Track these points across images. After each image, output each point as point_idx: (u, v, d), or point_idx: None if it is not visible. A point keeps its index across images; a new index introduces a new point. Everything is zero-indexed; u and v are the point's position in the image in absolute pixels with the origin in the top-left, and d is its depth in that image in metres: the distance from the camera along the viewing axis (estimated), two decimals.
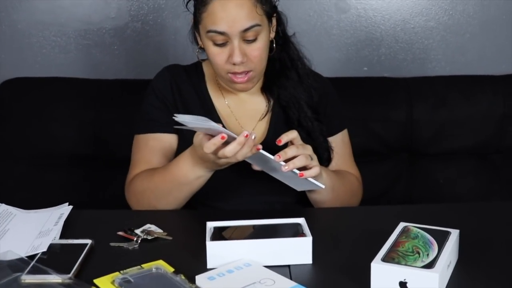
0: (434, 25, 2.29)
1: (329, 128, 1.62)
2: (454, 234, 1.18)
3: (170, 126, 1.56)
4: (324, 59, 2.21)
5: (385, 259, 1.07)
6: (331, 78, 1.78)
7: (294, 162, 1.31)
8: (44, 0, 2.24)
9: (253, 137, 1.27)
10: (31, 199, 1.95)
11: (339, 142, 1.66)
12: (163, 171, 1.49)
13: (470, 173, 2.13)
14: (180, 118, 1.28)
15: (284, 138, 1.35)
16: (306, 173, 1.34)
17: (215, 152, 1.28)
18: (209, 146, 1.27)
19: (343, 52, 2.31)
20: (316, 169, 1.35)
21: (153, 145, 1.58)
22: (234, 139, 1.26)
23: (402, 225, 1.21)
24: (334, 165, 1.63)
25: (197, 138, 1.33)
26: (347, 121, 1.71)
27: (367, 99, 2.13)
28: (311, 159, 1.36)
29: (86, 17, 2.26)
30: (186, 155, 1.42)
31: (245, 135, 1.25)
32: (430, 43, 2.31)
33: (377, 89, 2.15)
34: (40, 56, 2.27)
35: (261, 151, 1.30)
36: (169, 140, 1.58)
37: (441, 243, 1.13)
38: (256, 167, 1.39)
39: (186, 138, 1.49)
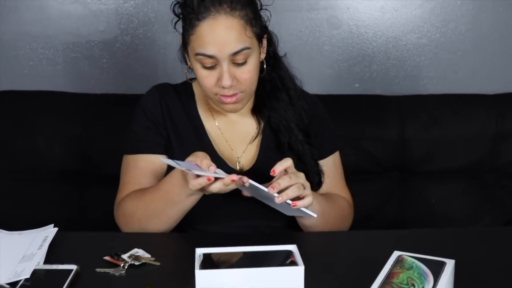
0: (426, 42, 2.29)
1: (320, 151, 1.61)
2: (450, 265, 1.15)
3: (160, 147, 1.55)
4: (315, 75, 2.21)
5: None
6: (322, 95, 1.78)
7: (288, 193, 1.30)
8: (32, 11, 2.22)
9: (244, 180, 1.27)
10: (15, 215, 1.96)
11: (331, 165, 1.64)
12: (154, 189, 1.47)
13: (463, 192, 2.11)
14: (167, 161, 1.31)
15: (278, 168, 1.33)
16: (299, 203, 1.32)
17: (202, 188, 1.29)
18: (195, 185, 1.29)
19: (335, 68, 2.30)
20: (309, 198, 1.34)
21: (143, 166, 1.55)
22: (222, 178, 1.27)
23: (396, 254, 1.19)
24: (325, 188, 1.61)
25: (194, 186, 1.32)
26: (339, 142, 1.70)
27: (359, 117, 2.11)
28: (304, 188, 1.34)
29: (74, 29, 2.24)
30: (177, 173, 1.39)
31: (232, 179, 1.26)
32: (422, 60, 2.31)
33: (369, 107, 2.14)
34: (27, 68, 2.26)
35: (253, 182, 1.28)
36: (159, 161, 1.55)
37: (437, 274, 1.11)
38: (246, 193, 1.38)
39: (176, 158, 1.47)
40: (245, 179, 1.27)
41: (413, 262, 1.16)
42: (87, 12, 2.23)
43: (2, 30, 2.22)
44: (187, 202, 1.41)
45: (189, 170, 1.27)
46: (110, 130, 2.03)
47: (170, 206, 1.43)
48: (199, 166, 1.29)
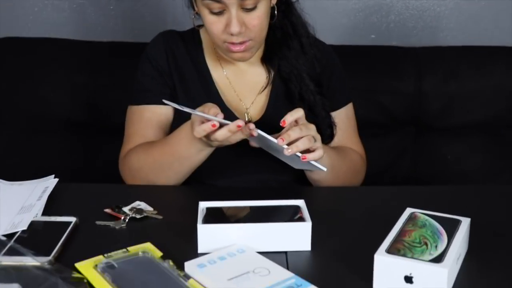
0: None
1: (332, 102, 1.58)
2: (465, 223, 1.13)
3: (166, 97, 1.51)
4: (329, 25, 2.18)
5: (390, 250, 1.02)
6: (336, 46, 1.75)
7: (298, 145, 1.26)
8: None
9: (251, 127, 1.24)
10: (20, 165, 1.98)
11: (343, 117, 1.61)
12: (162, 144, 1.45)
13: (480, 149, 2.10)
14: (169, 104, 1.28)
15: (289, 119, 1.29)
16: (309, 156, 1.28)
17: (207, 136, 1.26)
18: (199, 131, 1.26)
19: (350, 18, 2.29)
20: (319, 152, 1.30)
21: (149, 118, 1.53)
22: (227, 124, 1.24)
23: (408, 211, 1.16)
24: (336, 141, 1.59)
25: (193, 117, 1.30)
26: (352, 94, 1.67)
27: (374, 69, 2.10)
28: (315, 140, 1.30)
29: None
30: (186, 127, 1.37)
31: (238, 125, 1.22)
32: (442, 11, 2.28)
33: (385, 59, 2.12)
34: (32, 14, 2.26)
35: (262, 133, 1.25)
36: (165, 112, 1.54)
37: (451, 233, 1.08)
38: (254, 144, 1.35)
39: (181, 115, 1.45)
40: (251, 126, 1.24)
41: (426, 220, 1.13)
42: None
43: None
44: (196, 158, 1.40)
45: (193, 112, 1.25)
46: (117, 79, 2.03)
47: (178, 162, 1.41)
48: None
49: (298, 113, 1.31)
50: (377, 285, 1.01)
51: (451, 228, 1.10)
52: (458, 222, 1.12)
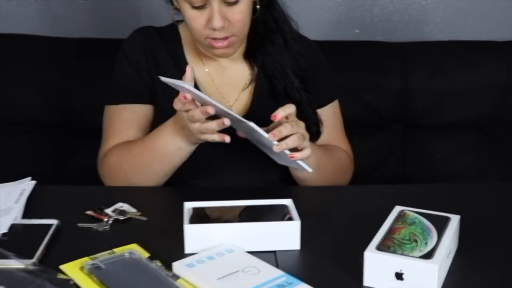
0: None
1: (318, 99, 1.62)
2: (455, 220, 1.18)
3: (144, 96, 1.56)
4: (312, 20, 2.20)
5: (380, 247, 1.07)
6: (319, 42, 1.78)
7: (287, 143, 1.31)
8: None
9: (226, 122, 1.28)
10: None
11: (329, 114, 1.65)
12: (142, 142, 1.49)
13: (469, 147, 2.14)
14: (164, 80, 1.30)
15: (281, 113, 1.33)
16: (297, 155, 1.33)
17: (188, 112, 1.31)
18: (176, 101, 1.30)
19: (333, 12, 2.31)
20: (307, 151, 1.35)
21: (127, 117, 1.56)
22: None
23: (397, 209, 1.21)
24: (323, 139, 1.63)
25: (176, 105, 1.33)
26: (338, 91, 1.71)
27: (358, 65, 2.13)
28: (304, 138, 1.35)
29: None
30: (167, 124, 1.42)
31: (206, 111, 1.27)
32: (428, 4, 2.31)
33: (369, 54, 2.16)
34: None
35: (254, 126, 1.29)
36: (144, 110, 1.57)
37: (441, 230, 1.13)
38: (241, 134, 1.39)
39: (167, 110, 1.47)
40: (226, 121, 1.27)
41: (415, 217, 1.18)
42: None
43: None
44: (176, 156, 1.44)
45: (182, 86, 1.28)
46: (88, 78, 2.04)
47: (158, 160, 1.45)
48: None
49: (290, 109, 1.34)
50: (367, 282, 1.06)
51: (440, 225, 1.14)
52: (447, 219, 1.17)
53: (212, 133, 1.31)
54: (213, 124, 1.28)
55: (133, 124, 1.56)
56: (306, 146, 1.35)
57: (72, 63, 2.08)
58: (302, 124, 1.37)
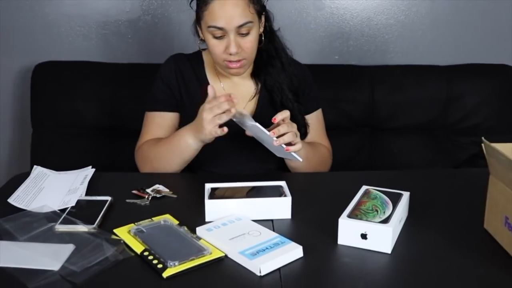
0: (393, 22, 2.29)
1: (306, 108, 1.63)
2: (405, 195, 1.20)
3: (172, 106, 1.58)
4: (303, 49, 2.15)
5: (350, 215, 1.09)
6: (308, 65, 1.77)
7: (284, 138, 1.33)
8: None
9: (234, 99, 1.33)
10: (60, 162, 1.96)
11: (314, 119, 1.66)
12: (165, 139, 1.52)
13: (419, 145, 2.13)
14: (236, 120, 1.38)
15: (278, 117, 1.35)
16: (291, 148, 1.34)
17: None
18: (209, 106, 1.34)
19: (319, 43, 2.30)
20: (299, 145, 1.36)
21: (158, 121, 1.59)
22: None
23: (364, 188, 1.23)
24: (310, 138, 1.64)
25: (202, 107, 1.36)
26: (321, 102, 1.71)
27: (337, 83, 2.12)
28: (296, 136, 1.37)
29: (105, 10, 2.24)
30: (185, 127, 1.45)
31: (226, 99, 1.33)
32: (390, 37, 2.31)
33: (346, 75, 2.15)
34: (67, 43, 2.25)
35: (258, 125, 1.31)
36: (171, 117, 1.59)
37: (395, 203, 1.15)
38: (249, 133, 1.40)
39: (190, 117, 1.47)
40: (225, 129, 1.34)
41: (377, 194, 1.20)
42: None
43: (46, 11, 2.22)
44: (185, 151, 1.45)
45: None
46: (134, 93, 2.04)
47: (173, 152, 1.47)
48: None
49: (285, 113, 1.37)
50: (340, 241, 1.09)
51: (395, 199, 1.17)
52: (400, 195, 1.20)
53: (216, 124, 1.33)
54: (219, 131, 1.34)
55: (162, 126, 1.58)
56: (298, 142, 1.37)
57: (122, 82, 2.08)
58: (294, 125, 1.39)
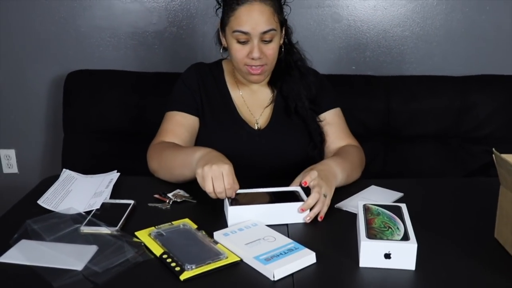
0: (409, 34, 2.26)
1: (323, 105, 1.58)
2: (404, 207, 1.15)
3: (193, 109, 1.53)
4: (321, 59, 2.17)
5: (370, 236, 1.02)
6: (326, 75, 1.76)
7: (314, 212, 1.21)
8: (101, 9, 2.24)
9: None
10: (88, 165, 1.98)
11: (335, 115, 1.59)
12: (174, 149, 1.42)
13: (433, 153, 2.09)
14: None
15: (308, 180, 1.25)
16: (322, 214, 1.22)
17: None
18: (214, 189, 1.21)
19: (336, 54, 2.29)
20: (326, 207, 1.24)
21: (179, 120, 1.52)
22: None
23: (361, 204, 1.16)
24: (333, 137, 1.57)
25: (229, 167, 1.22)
26: (341, 104, 1.65)
27: (355, 92, 2.09)
28: (325, 196, 1.24)
29: (133, 22, 2.25)
30: (198, 151, 1.31)
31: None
32: (405, 49, 2.28)
33: (362, 85, 2.12)
34: (98, 53, 2.27)
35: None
36: (192, 119, 1.53)
37: (400, 216, 1.10)
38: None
39: (206, 125, 1.45)
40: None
41: (378, 209, 1.14)
42: (143, 9, 2.24)
43: (78, 23, 2.24)
44: (183, 170, 1.35)
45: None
46: (160, 100, 1.93)
47: (179, 165, 1.37)
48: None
49: (313, 175, 1.26)
50: (362, 263, 1.00)
51: (397, 212, 1.11)
52: (399, 208, 1.14)
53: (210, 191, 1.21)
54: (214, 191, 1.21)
55: (182, 125, 1.52)
56: (327, 204, 1.24)
57: (149, 90, 2.08)
58: (324, 185, 1.25)
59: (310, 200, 1.21)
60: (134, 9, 2.24)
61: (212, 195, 1.21)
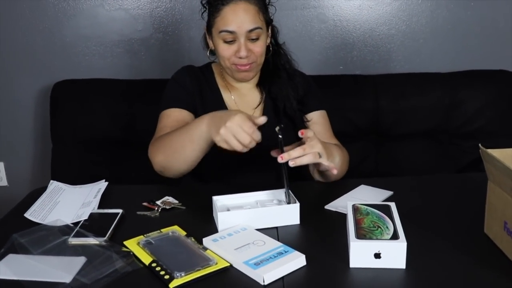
0: (395, 32, 2.27)
1: (310, 107, 1.59)
2: (393, 206, 1.15)
3: (189, 106, 1.52)
4: (308, 60, 2.20)
5: (359, 236, 1.02)
6: (313, 76, 1.76)
7: (302, 160, 1.23)
8: (86, 18, 2.23)
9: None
10: (78, 175, 1.99)
11: (321, 117, 1.61)
12: (177, 129, 1.38)
13: (424, 150, 2.09)
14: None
15: (306, 133, 1.29)
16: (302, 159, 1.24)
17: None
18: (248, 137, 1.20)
19: (323, 54, 2.29)
20: (322, 159, 1.27)
21: (176, 115, 1.49)
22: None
23: (350, 204, 1.16)
24: (321, 136, 1.48)
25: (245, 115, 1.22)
26: (327, 107, 1.65)
27: (343, 92, 2.09)
28: (320, 156, 1.27)
29: (119, 30, 2.25)
30: (205, 115, 1.30)
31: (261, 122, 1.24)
32: (392, 47, 2.28)
33: (350, 84, 2.12)
34: (84, 62, 2.27)
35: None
36: (188, 115, 1.51)
37: (389, 215, 1.10)
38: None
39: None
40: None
41: (367, 209, 1.14)
42: (128, 16, 2.24)
43: (64, 33, 2.24)
44: (196, 144, 1.31)
45: None
46: (148, 107, 1.99)
47: (188, 143, 1.32)
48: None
49: (309, 133, 1.29)
50: (353, 264, 1.00)
51: (387, 211, 1.11)
52: (388, 207, 1.14)
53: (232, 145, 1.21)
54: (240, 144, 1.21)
55: (180, 120, 1.47)
56: (321, 160, 1.28)
57: (137, 97, 2.07)
58: (316, 145, 1.28)
59: (294, 153, 1.22)
60: (119, 17, 2.23)
61: (245, 150, 1.20)
